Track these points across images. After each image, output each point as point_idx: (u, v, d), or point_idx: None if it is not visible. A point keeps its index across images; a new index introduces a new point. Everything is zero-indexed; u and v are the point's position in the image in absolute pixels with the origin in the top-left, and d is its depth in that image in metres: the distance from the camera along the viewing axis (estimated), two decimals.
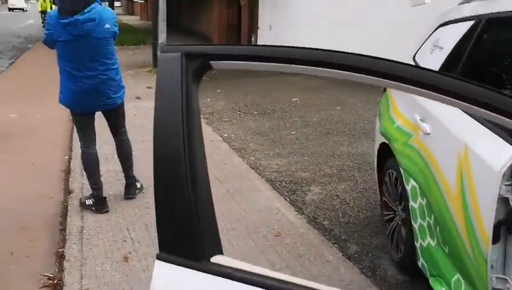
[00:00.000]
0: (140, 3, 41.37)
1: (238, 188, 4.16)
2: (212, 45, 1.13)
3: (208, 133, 5.99)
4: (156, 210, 1.13)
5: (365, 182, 4.24)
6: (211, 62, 1.12)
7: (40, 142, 5.86)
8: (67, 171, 4.82)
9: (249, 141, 5.61)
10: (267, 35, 12.02)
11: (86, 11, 3.33)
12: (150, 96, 8.18)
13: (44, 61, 13.29)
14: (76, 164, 4.85)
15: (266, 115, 6.82)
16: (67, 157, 5.28)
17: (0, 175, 4.72)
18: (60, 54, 3.49)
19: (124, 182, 4.04)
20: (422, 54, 2.90)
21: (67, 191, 4.29)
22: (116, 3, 48.11)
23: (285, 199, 3.95)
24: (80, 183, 4.35)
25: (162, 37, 11.25)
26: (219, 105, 7.52)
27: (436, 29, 2.79)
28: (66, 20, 3.29)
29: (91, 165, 3.77)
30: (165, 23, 11.26)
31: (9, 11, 49.77)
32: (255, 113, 6.93)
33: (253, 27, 12.81)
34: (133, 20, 37.53)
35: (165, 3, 11.19)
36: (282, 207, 3.78)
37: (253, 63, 1.08)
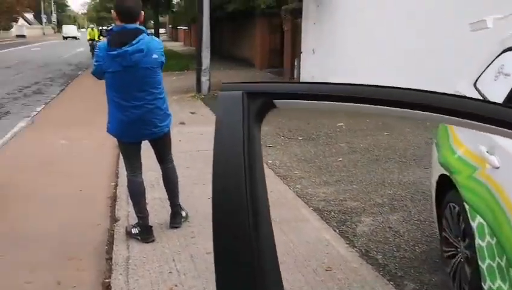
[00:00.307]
0: (184, 29, 42.49)
1: (285, 218, 4.03)
2: (276, 82, 1.04)
3: None
4: (215, 262, 1.02)
5: (419, 213, 4.02)
6: (275, 101, 1.02)
7: (87, 169, 5.95)
8: (114, 198, 4.84)
9: (294, 168, 5.49)
10: (310, 60, 11.97)
11: (134, 42, 3.35)
12: (194, 122, 8.28)
13: (92, 89, 13.70)
14: (123, 191, 4.87)
15: (311, 140, 6.70)
16: (113, 183, 5.32)
17: (49, 201, 4.80)
18: (108, 84, 3.52)
19: (169, 210, 4.00)
20: (484, 81, 2.72)
21: (114, 219, 4.29)
22: (161, 30, 49.67)
23: (335, 230, 3.79)
24: (126, 211, 4.34)
25: (206, 63, 11.41)
26: (263, 130, 7.32)
27: (500, 54, 2.62)
28: (115, 52, 3.32)
29: (137, 194, 3.75)
30: (209, 49, 11.42)
31: (64, 39, 53.66)
32: (300, 138, 6.83)
33: (296, 51, 12.79)
34: (177, 46, 38.56)
35: (209, 31, 11.37)
36: (331, 239, 3.63)
37: (324, 102, 0.97)
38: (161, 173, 3.97)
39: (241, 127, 1.00)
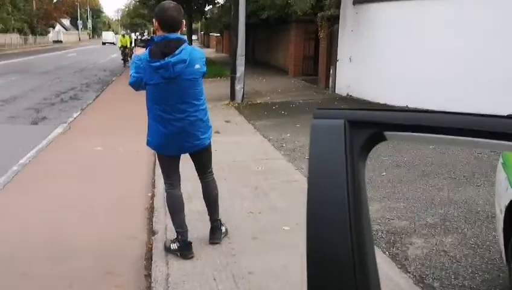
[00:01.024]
0: (216, 36, 42.71)
1: None
2: (385, 110, 0.84)
3: (291, 171, 5.74)
4: None
5: (475, 236, 3.74)
6: (386, 133, 0.83)
7: (123, 177, 5.87)
8: (151, 210, 4.72)
9: None
10: (347, 68, 11.73)
11: (176, 52, 3.22)
12: (229, 131, 8.15)
13: (126, 95, 13.76)
14: (160, 202, 4.76)
15: None
16: (150, 194, 5.21)
17: (86, 211, 4.72)
18: (149, 96, 3.39)
19: (207, 223, 3.85)
20: None
21: (152, 232, 4.17)
22: (193, 37, 50.11)
23: (384, 252, 3.55)
24: (164, 224, 4.21)
25: (240, 70, 11.30)
26: (300, 141, 7.25)
27: None
28: (157, 63, 3.19)
29: (176, 208, 3.61)
30: (244, 57, 11.31)
31: (103, 44, 56.32)
32: None
33: (332, 59, 12.56)
34: (208, 52, 38.75)
35: (244, 38, 11.27)
36: (382, 262, 3.39)
37: (453, 137, 0.77)
38: (201, 186, 3.82)
39: (344, 165, 0.82)
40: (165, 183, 3.65)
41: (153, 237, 4.03)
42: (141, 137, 8.00)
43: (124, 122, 9.58)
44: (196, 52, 3.37)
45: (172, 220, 3.65)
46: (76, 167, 6.23)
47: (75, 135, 8.21)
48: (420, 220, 4.11)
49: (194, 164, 3.73)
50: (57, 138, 7.85)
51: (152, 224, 4.34)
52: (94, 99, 12.56)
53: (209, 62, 20.10)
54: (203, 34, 54.71)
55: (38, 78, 17.62)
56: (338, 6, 11.94)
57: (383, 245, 3.67)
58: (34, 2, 55.59)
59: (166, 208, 4.59)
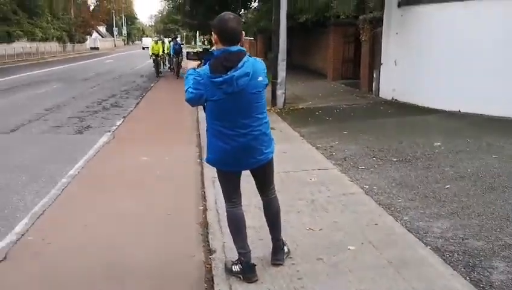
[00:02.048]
0: (250, 40, 42.67)
1: (401, 259, 3.55)
2: None
3: (346, 183, 5.47)
4: None
5: None
6: None
7: (172, 189, 5.74)
8: (204, 225, 4.55)
9: (396, 195, 4.98)
10: (391, 71, 11.36)
11: (239, 65, 3.03)
12: (274, 139, 7.87)
13: (166, 101, 13.88)
14: (213, 217, 4.59)
15: (408, 162, 6.14)
16: (201, 207, 5.05)
17: (137, 226, 4.60)
18: (210, 113, 3.21)
19: (265, 240, 3.67)
20: None
21: (208, 250, 3.99)
22: None
23: (465, 278, 3.25)
24: (221, 242, 4.03)
25: (281, 75, 11.10)
26: (350, 149, 6.98)
27: None
28: (220, 79, 3.01)
29: (239, 227, 3.42)
30: (285, 62, 11.11)
31: (143, 49, 57.94)
32: (394, 160, 6.28)
33: (375, 62, 12.20)
34: None
35: (285, 44, 11.07)
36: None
37: None
38: (263, 205, 3.62)
39: None
40: (225, 201, 3.46)
41: (210, 256, 3.85)
42: (184, 146, 7.97)
43: (166, 129, 9.54)
44: (258, 63, 3.17)
45: (234, 240, 3.46)
46: (125, 179, 6.15)
47: (120, 144, 8.18)
48: (498, 240, 3.79)
49: (256, 179, 3.52)
50: (103, 147, 7.82)
51: (208, 241, 4.17)
52: (135, 107, 12.59)
53: None
54: None
55: (79, 86, 17.89)
56: (381, 9, 11.58)
57: (462, 269, 3.37)
58: (72, 11, 57.05)
59: (220, 223, 4.45)
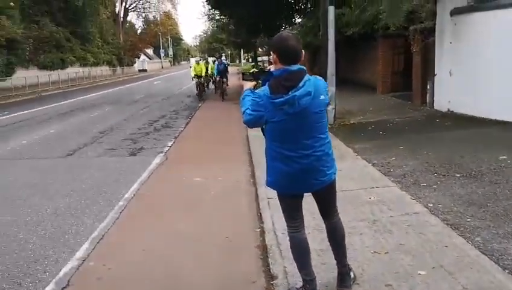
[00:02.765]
0: None
1: (479, 285, 3.29)
2: None
3: (408, 202, 5.22)
4: None
5: None
6: None
7: (228, 211, 5.67)
8: (263, 248, 4.43)
9: (464, 214, 4.68)
10: (446, 83, 10.94)
11: (300, 84, 2.92)
12: None
13: (215, 120, 13.97)
14: (271, 240, 4.47)
15: (473, 177, 5.81)
16: (258, 229, 4.94)
17: (198, 250, 4.53)
18: (270, 134, 3.10)
19: (328, 264, 3.54)
20: None
21: (269, 275, 3.86)
22: (266, 57, 50.50)
23: None
24: (282, 267, 3.89)
25: (331, 90, 10.91)
26: (408, 165, 6.69)
27: None
28: (281, 99, 2.90)
29: (303, 253, 3.28)
30: (334, 76, 10.93)
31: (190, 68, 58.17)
32: (458, 175, 5.96)
33: (428, 74, 11.81)
34: None
35: (334, 59, 10.92)
36: None
37: None
38: (326, 229, 3.46)
39: None
40: (287, 225, 3.33)
41: (272, 282, 3.72)
42: (236, 165, 7.92)
43: (216, 149, 9.54)
44: (319, 82, 3.06)
45: (298, 267, 3.32)
46: (180, 200, 6.14)
47: (173, 165, 8.24)
48: None
49: (318, 202, 3.38)
50: (156, 169, 7.89)
51: (268, 265, 4.04)
52: (184, 127, 12.73)
53: None
54: None
55: (130, 108, 18.36)
56: (433, 19, 11.22)
57: None
58: (121, 35, 59.21)
59: (280, 246, 4.32)
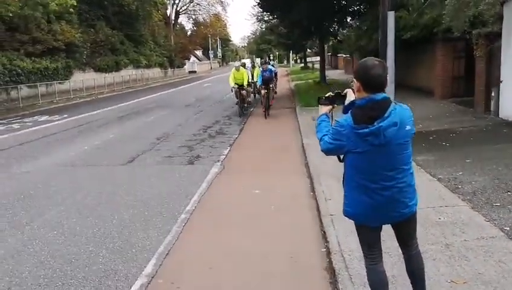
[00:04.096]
0: (345, 57, 42.14)
1: None
2: None
3: (482, 224, 4.95)
4: None
5: None
6: None
7: (289, 227, 5.60)
8: (331, 271, 4.32)
9: None
10: None
11: (385, 115, 2.80)
12: None
13: (268, 127, 13.91)
14: (339, 263, 4.35)
15: None
16: (324, 250, 4.83)
17: (261, 271, 4.48)
18: (350, 165, 3.00)
19: None
20: None
21: None
22: (317, 58, 50.09)
23: None
24: None
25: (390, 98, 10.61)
26: (478, 181, 6.38)
27: None
28: (366, 130, 2.80)
29: (381, 286, 3.16)
30: (393, 84, 10.61)
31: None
32: None
33: (493, 80, 11.28)
34: (338, 74, 38.27)
35: (393, 64, 10.60)
36: None
37: None
38: (404, 260, 3.32)
39: None
40: (364, 257, 3.22)
41: None
42: (294, 176, 7.84)
43: (272, 158, 9.49)
44: (405, 111, 2.93)
45: None
46: (241, 214, 6.13)
47: (231, 175, 8.25)
48: None
49: (397, 233, 3.25)
50: (215, 179, 7.92)
51: None
52: (239, 134, 12.76)
53: (341, 85, 19.83)
54: (330, 55, 54.46)
55: (184, 112, 18.63)
56: (500, 23, 10.70)
57: None
58: (172, 37, 60.40)
59: (348, 270, 4.20)
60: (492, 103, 11.22)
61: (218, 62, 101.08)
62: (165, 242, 5.25)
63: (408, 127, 2.89)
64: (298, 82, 33.00)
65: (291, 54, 75.80)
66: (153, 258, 4.85)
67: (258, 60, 38.60)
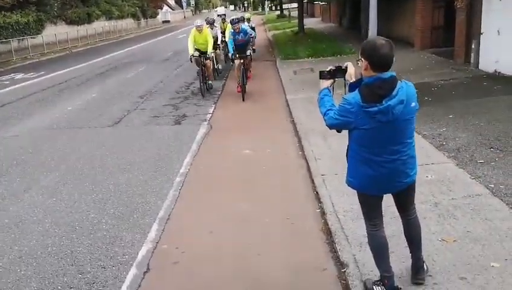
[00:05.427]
0: (321, 5, 41.47)
1: None
2: None
3: (468, 182, 5.19)
4: None
5: None
6: None
7: (282, 188, 5.77)
8: (327, 232, 4.53)
9: None
10: (493, 42, 10.55)
11: (393, 93, 2.91)
12: None
13: (253, 82, 13.84)
14: (335, 223, 4.56)
15: None
16: (318, 210, 5.04)
17: (260, 233, 4.66)
18: (357, 140, 3.11)
19: (398, 253, 3.69)
20: None
21: (339, 263, 3.98)
22: (293, 4, 49.22)
23: None
24: (350, 254, 4.00)
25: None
26: (461, 138, 6.62)
27: None
28: (375, 108, 2.90)
29: (382, 251, 3.36)
30: (376, 34, 10.65)
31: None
32: None
33: (473, 32, 11.40)
34: (314, 22, 37.82)
35: (376, 14, 10.61)
36: None
37: None
38: (402, 224, 3.53)
39: None
40: (366, 224, 3.41)
41: (344, 270, 3.84)
42: (281, 134, 7.99)
43: (258, 115, 9.57)
44: (410, 88, 3.04)
45: (376, 263, 3.41)
46: (234, 176, 6.26)
47: (219, 135, 8.32)
48: None
49: (397, 200, 3.43)
50: (204, 140, 7.99)
51: (335, 251, 4.16)
52: (222, 90, 12.71)
53: (322, 37, 19.53)
54: (307, 2, 53.48)
55: (162, 68, 18.32)
56: None
57: None
58: None
59: (344, 231, 4.42)
60: (472, 54, 11.40)
61: (191, 10, 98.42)
62: (164, 207, 5.39)
63: (413, 104, 3.01)
64: (275, 32, 32.50)
65: (266, 1, 74.15)
66: (155, 223, 4.99)
67: (220, 9, 28.50)
